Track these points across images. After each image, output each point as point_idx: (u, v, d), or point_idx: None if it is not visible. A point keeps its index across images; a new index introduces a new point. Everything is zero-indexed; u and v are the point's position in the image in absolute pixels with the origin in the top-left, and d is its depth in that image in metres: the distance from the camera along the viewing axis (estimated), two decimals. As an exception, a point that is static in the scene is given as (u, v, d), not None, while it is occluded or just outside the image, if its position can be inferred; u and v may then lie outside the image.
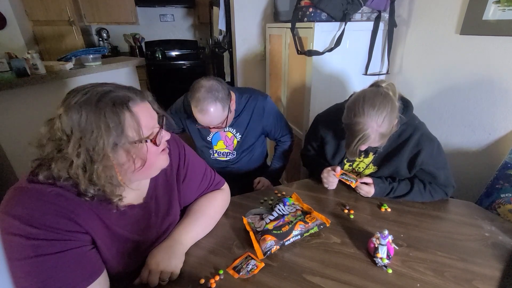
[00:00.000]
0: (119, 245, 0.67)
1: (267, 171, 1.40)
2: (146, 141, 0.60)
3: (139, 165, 0.60)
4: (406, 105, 0.95)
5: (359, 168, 1.11)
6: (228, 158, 1.33)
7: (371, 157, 1.06)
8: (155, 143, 0.61)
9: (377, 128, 0.84)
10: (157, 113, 0.66)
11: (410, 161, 0.99)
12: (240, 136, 1.29)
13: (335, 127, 1.06)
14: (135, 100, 0.58)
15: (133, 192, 0.69)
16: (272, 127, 1.33)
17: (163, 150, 0.67)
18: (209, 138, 1.29)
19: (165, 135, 0.67)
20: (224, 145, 1.30)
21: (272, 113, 1.31)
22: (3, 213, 0.53)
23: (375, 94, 0.86)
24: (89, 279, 0.58)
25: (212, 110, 1.03)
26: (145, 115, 0.60)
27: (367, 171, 1.10)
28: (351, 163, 1.12)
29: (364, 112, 0.84)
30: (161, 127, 0.65)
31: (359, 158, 1.08)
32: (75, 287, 0.56)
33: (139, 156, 0.59)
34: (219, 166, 1.36)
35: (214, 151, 1.32)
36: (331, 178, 1.05)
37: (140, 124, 0.58)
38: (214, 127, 1.12)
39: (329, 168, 1.06)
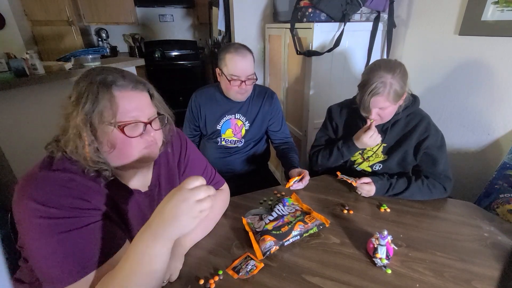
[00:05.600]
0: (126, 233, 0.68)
1: (290, 167, 1.33)
2: (115, 126, 0.58)
3: (107, 148, 0.59)
4: (414, 98, 1.03)
5: (368, 156, 1.13)
6: (235, 145, 1.39)
7: (380, 148, 1.10)
8: (122, 132, 0.59)
9: (391, 80, 0.91)
10: (157, 110, 0.66)
11: (416, 145, 1.04)
12: (249, 124, 1.35)
13: (347, 114, 1.17)
14: (123, 86, 0.59)
15: (137, 178, 0.71)
16: (277, 119, 1.39)
17: (145, 144, 0.64)
18: (219, 127, 1.33)
19: (151, 132, 0.63)
20: (233, 133, 1.35)
21: (279, 106, 1.40)
22: (20, 198, 0.54)
23: (389, 60, 0.97)
24: (117, 246, 0.61)
25: (249, 55, 1.20)
26: (128, 102, 0.59)
27: (377, 159, 1.13)
28: (360, 151, 1.14)
29: (380, 67, 0.93)
30: (149, 123, 0.63)
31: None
32: (107, 254, 0.58)
33: (106, 139, 0.59)
34: (225, 154, 1.39)
35: (222, 139, 1.37)
36: (372, 127, 1.01)
37: (117, 108, 0.57)
38: (247, 79, 1.20)
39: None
